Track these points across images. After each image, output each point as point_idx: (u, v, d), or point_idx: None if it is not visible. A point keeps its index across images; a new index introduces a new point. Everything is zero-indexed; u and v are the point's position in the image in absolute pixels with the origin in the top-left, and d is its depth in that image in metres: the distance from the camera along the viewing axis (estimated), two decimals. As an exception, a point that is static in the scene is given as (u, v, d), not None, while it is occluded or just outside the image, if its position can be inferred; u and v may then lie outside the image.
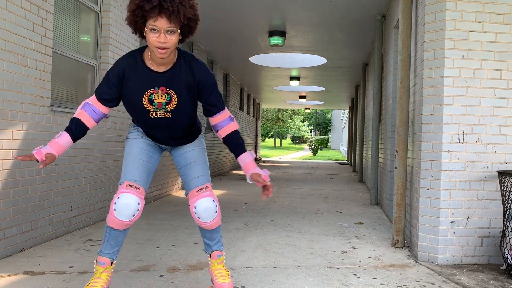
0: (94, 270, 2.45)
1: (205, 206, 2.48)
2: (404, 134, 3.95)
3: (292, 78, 13.12)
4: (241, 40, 8.70)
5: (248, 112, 17.79)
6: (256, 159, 21.16)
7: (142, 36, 2.23)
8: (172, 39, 2.14)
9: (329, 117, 67.81)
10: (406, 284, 2.99)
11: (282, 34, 7.90)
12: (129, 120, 5.60)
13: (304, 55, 10.21)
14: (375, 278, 3.09)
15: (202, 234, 2.65)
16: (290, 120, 49.12)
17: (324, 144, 56.30)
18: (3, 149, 3.33)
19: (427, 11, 3.56)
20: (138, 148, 2.48)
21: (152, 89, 2.31)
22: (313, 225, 5.01)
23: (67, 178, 4.20)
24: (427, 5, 3.56)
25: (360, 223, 5.18)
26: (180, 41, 2.25)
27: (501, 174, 3.24)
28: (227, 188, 8.86)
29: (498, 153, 3.50)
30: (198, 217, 2.50)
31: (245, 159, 2.43)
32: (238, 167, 15.92)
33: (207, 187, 2.53)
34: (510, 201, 3.19)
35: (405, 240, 4.11)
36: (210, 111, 2.44)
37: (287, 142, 72.73)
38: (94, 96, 2.35)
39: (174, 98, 2.34)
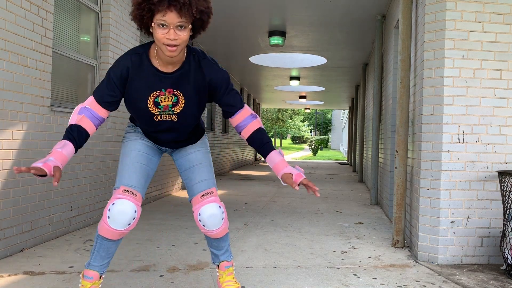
0: (80, 285, 2.23)
1: (210, 212, 2.27)
2: (404, 134, 3.95)
3: (292, 78, 13.12)
4: (241, 40, 8.70)
5: (248, 112, 17.76)
6: (256, 159, 21.13)
7: (149, 33, 2.00)
8: (183, 35, 1.91)
9: (329, 117, 67.81)
10: (406, 284, 2.99)
11: (282, 34, 7.90)
12: (129, 120, 5.59)
13: (304, 55, 10.20)
14: (375, 278, 3.09)
15: (208, 244, 2.45)
16: (290, 120, 49.11)
17: (324, 144, 56.31)
18: (3, 149, 3.33)
19: (427, 11, 3.56)
20: (136, 150, 2.26)
21: (158, 91, 2.10)
22: (313, 225, 5.01)
23: (67, 178, 4.20)
24: (427, 5, 3.56)
25: (360, 223, 5.18)
26: (191, 37, 2.02)
27: (501, 174, 3.23)
28: (227, 188, 8.86)
29: (498, 153, 3.50)
30: (203, 225, 2.29)
31: (274, 158, 2.16)
32: (238, 167, 15.91)
33: (212, 192, 2.32)
34: (510, 201, 3.19)
35: (405, 240, 4.11)
36: (229, 112, 2.20)
37: (287, 142, 72.74)
38: (92, 99, 2.08)
39: (181, 100, 2.13)
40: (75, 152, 2.02)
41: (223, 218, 2.32)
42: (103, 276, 2.27)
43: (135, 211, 2.15)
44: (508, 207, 3.20)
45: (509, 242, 3.15)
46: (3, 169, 3.34)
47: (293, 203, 6.82)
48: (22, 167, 1.75)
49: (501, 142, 3.50)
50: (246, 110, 2.22)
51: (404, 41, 3.99)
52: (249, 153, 18.97)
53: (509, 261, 3.16)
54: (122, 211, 2.11)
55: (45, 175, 1.84)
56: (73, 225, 4.35)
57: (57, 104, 4.14)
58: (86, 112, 2.06)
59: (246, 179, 11.00)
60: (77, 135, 2.02)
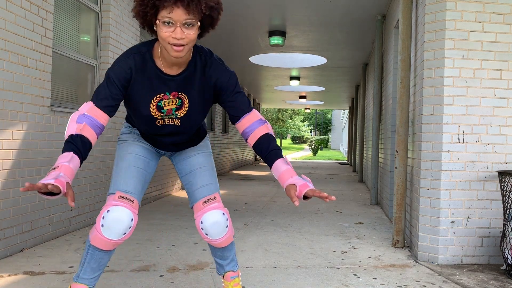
0: None
1: (214, 220, 2.09)
2: (404, 134, 3.94)
3: (292, 78, 13.12)
4: (241, 40, 8.70)
5: (248, 112, 17.76)
6: (256, 159, 21.09)
7: (153, 31, 1.82)
8: (191, 34, 1.73)
9: (329, 117, 67.82)
10: (406, 284, 2.99)
11: (282, 34, 7.90)
12: (129, 120, 5.59)
13: (304, 55, 10.20)
14: (375, 278, 3.09)
15: (212, 253, 2.28)
16: (290, 120, 49.11)
17: (324, 144, 56.32)
18: (3, 149, 3.33)
19: (427, 11, 3.56)
20: (133, 153, 2.09)
21: (162, 94, 1.93)
22: (313, 225, 5.01)
23: (67, 178, 4.19)
24: (427, 5, 3.56)
25: (360, 223, 5.18)
26: (199, 36, 1.85)
27: (501, 174, 3.23)
28: (227, 188, 8.86)
29: (498, 153, 3.50)
30: (206, 234, 2.11)
31: (279, 167, 1.90)
32: (238, 167, 15.90)
33: (215, 197, 2.15)
34: (510, 201, 3.19)
35: (405, 240, 4.11)
36: (234, 116, 1.99)
37: (287, 142, 72.74)
38: (90, 105, 1.84)
39: (185, 103, 1.97)
40: (80, 166, 1.79)
41: (227, 226, 2.14)
42: None
43: (132, 219, 1.96)
44: (508, 207, 3.20)
45: (509, 242, 3.15)
46: (3, 169, 3.34)
47: (293, 203, 6.82)
48: (29, 185, 1.46)
49: (501, 142, 3.50)
50: (254, 115, 1.99)
51: (404, 41, 3.99)
52: (249, 153, 18.97)
53: (509, 261, 3.16)
54: (117, 219, 1.92)
55: (57, 194, 1.61)
56: (73, 225, 4.35)
57: (57, 104, 4.14)
58: (87, 120, 1.82)
59: (246, 179, 11.00)
60: (81, 147, 1.78)
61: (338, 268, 3.32)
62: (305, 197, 1.81)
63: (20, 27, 3.49)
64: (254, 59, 10.69)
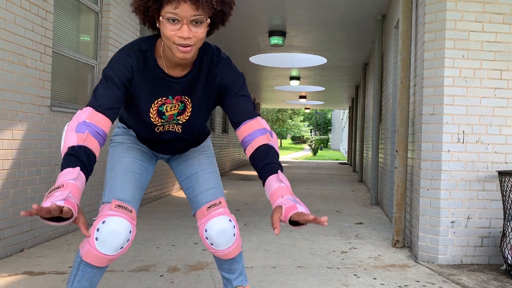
0: None
1: (220, 227, 1.85)
2: (404, 134, 3.94)
3: (292, 78, 13.12)
4: (241, 40, 8.70)
5: (248, 112, 17.75)
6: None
7: (154, 28, 1.60)
8: (199, 33, 1.50)
9: (329, 117, 67.83)
10: (406, 284, 2.99)
11: (282, 34, 7.90)
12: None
13: (304, 55, 10.20)
14: (375, 278, 3.09)
15: (218, 266, 2.02)
16: (290, 120, 49.11)
17: (324, 144, 56.33)
18: (3, 149, 3.33)
19: (427, 11, 3.56)
20: (129, 157, 1.87)
21: (164, 98, 1.71)
22: (313, 225, 5.01)
23: (67, 178, 4.19)
24: (427, 5, 3.55)
25: (360, 223, 5.18)
26: (207, 33, 1.62)
27: (501, 174, 3.23)
28: (227, 188, 8.86)
29: (498, 153, 3.50)
30: (211, 244, 1.87)
31: (270, 185, 1.58)
32: (238, 167, 15.90)
33: (220, 202, 1.92)
34: (510, 201, 3.19)
35: (405, 240, 4.11)
36: (235, 122, 1.72)
37: (287, 142, 72.76)
38: (90, 111, 1.56)
39: (188, 107, 1.75)
40: (86, 181, 1.51)
41: (235, 234, 1.89)
42: None
43: (130, 231, 1.71)
44: (508, 207, 3.20)
45: (509, 242, 3.15)
46: (3, 169, 3.34)
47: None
48: (37, 207, 1.21)
49: (501, 142, 3.50)
50: (257, 123, 1.70)
51: (404, 41, 3.99)
52: (249, 153, 18.94)
53: (509, 261, 3.16)
54: (114, 231, 1.66)
55: (66, 219, 1.37)
56: (73, 225, 4.35)
57: (57, 104, 4.14)
58: (89, 128, 1.53)
59: (246, 179, 11.00)
60: (87, 161, 1.48)
61: (338, 268, 3.32)
62: (295, 223, 1.49)
63: (20, 27, 3.49)
64: (254, 59, 10.69)
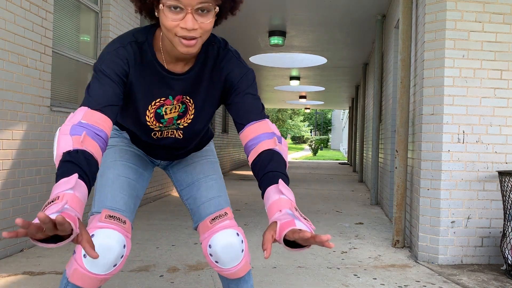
0: None
1: (226, 242, 1.59)
2: (404, 134, 3.94)
3: (292, 78, 13.12)
4: (241, 40, 8.70)
5: (248, 112, 17.74)
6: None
7: (152, 17, 1.37)
8: (206, 23, 1.27)
9: (329, 117, 67.85)
10: (406, 284, 2.99)
11: (282, 34, 7.90)
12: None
13: (304, 55, 10.20)
14: (375, 278, 3.09)
15: (224, 286, 1.75)
16: (290, 120, 49.12)
17: (324, 144, 56.35)
18: (2, 149, 3.33)
19: (427, 11, 3.56)
20: (122, 161, 1.63)
21: (163, 99, 1.47)
22: (313, 225, 5.01)
23: (67, 178, 4.19)
24: (427, 5, 3.55)
25: (360, 223, 5.18)
26: (214, 23, 1.38)
27: (502, 174, 3.23)
28: (227, 188, 8.86)
29: (499, 153, 3.50)
30: (216, 261, 1.60)
31: (269, 197, 1.27)
32: (238, 167, 15.90)
33: (226, 213, 1.66)
34: (510, 201, 3.19)
35: (405, 240, 4.11)
36: (239, 124, 1.44)
37: (287, 142, 72.63)
38: (86, 111, 1.26)
39: (190, 109, 1.52)
40: (88, 195, 1.19)
41: (243, 250, 1.62)
42: None
43: (124, 245, 1.45)
44: (508, 207, 3.20)
45: (510, 242, 3.15)
46: (3, 169, 3.34)
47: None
48: (22, 223, 0.88)
49: (501, 142, 3.50)
50: (265, 125, 1.42)
51: (404, 41, 3.99)
52: (249, 153, 18.94)
53: (509, 261, 3.16)
54: (106, 247, 1.41)
55: (63, 238, 1.03)
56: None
57: (57, 104, 4.14)
58: (86, 129, 1.24)
59: (246, 179, 11.00)
60: (86, 167, 1.17)
61: (338, 268, 3.32)
62: (293, 244, 1.20)
63: (20, 27, 3.49)
64: (254, 59, 10.69)
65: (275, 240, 1.17)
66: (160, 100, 1.47)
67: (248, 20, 7.25)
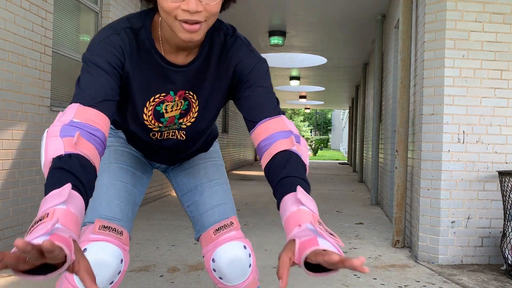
0: None
1: (232, 256, 1.41)
2: (404, 134, 3.94)
3: (292, 78, 13.13)
4: (241, 40, 8.70)
5: (248, 112, 17.74)
6: (256, 159, 21.01)
7: (150, 0, 1.15)
8: (212, 5, 1.06)
9: (329, 117, 67.87)
10: (407, 284, 2.99)
11: (282, 34, 7.90)
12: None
13: (304, 55, 10.21)
14: (375, 278, 3.09)
15: None
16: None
17: (324, 144, 56.36)
18: (2, 149, 3.33)
19: (427, 11, 3.56)
20: (118, 163, 1.45)
21: (163, 94, 1.27)
22: (313, 225, 5.01)
23: (67, 178, 4.19)
24: (427, 5, 3.55)
25: (360, 223, 5.18)
26: (222, 6, 1.17)
27: (502, 174, 3.23)
28: (227, 188, 8.85)
29: (499, 153, 3.50)
30: (220, 278, 1.43)
31: (286, 208, 1.02)
32: (238, 167, 15.89)
33: (231, 223, 1.48)
34: (510, 201, 3.19)
35: (405, 240, 4.11)
36: (250, 122, 1.22)
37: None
38: (77, 108, 1.05)
39: (194, 106, 1.32)
40: (86, 208, 0.96)
41: (250, 265, 1.44)
42: None
43: (122, 259, 1.29)
44: (509, 207, 3.20)
45: (510, 242, 3.15)
46: (3, 169, 3.34)
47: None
48: (15, 253, 0.70)
49: (501, 142, 3.50)
50: (280, 122, 1.19)
51: (404, 41, 3.99)
52: (249, 153, 18.97)
53: (509, 261, 3.16)
54: (100, 262, 1.24)
55: (55, 268, 0.79)
56: (73, 225, 4.34)
57: (57, 104, 4.14)
58: (79, 129, 1.02)
59: (246, 179, 11.00)
60: (82, 174, 0.95)
61: (338, 268, 3.31)
62: (317, 268, 0.95)
63: (20, 27, 3.49)
64: (254, 59, 10.68)
65: (293, 263, 0.94)
66: (160, 96, 1.27)
67: (248, 20, 7.25)
